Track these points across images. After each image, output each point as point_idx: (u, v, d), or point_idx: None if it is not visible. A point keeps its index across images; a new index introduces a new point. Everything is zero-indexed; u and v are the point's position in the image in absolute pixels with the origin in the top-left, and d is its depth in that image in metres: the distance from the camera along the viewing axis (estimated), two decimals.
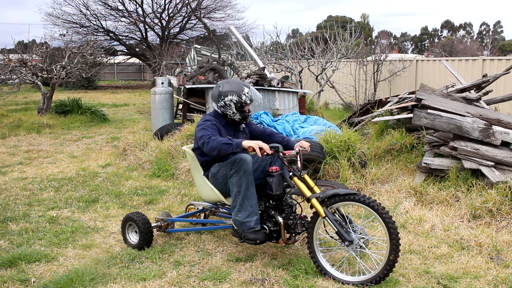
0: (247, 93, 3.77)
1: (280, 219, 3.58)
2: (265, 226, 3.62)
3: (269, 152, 3.48)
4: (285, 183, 3.68)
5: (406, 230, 4.38)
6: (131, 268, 3.60)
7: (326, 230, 3.68)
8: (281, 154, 3.62)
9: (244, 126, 4.01)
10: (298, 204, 3.78)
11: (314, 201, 3.38)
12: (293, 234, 3.63)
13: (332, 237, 3.63)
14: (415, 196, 5.04)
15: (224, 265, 3.66)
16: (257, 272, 3.50)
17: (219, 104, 3.80)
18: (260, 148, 3.44)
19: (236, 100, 3.74)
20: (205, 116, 3.90)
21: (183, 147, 4.17)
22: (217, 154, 3.57)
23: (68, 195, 5.64)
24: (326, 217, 3.33)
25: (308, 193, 3.45)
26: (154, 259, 3.75)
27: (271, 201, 3.76)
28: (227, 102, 3.76)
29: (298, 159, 3.66)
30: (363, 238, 3.34)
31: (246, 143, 3.49)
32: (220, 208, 4.29)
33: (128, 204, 5.30)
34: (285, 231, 3.59)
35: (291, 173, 3.57)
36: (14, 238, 4.25)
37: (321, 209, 3.35)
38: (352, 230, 3.33)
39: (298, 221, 3.58)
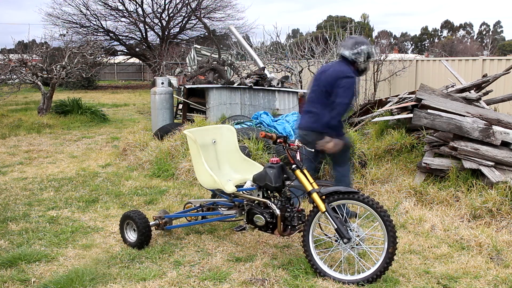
0: (373, 47, 4.34)
1: (278, 211, 3.57)
2: (262, 216, 3.62)
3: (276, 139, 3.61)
4: (284, 175, 3.68)
5: (406, 230, 4.38)
6: (131, 268, 3.60)
7: (321, 229, 3.68)
8: (287, 145, 3.63)
9: None
10: (296, 198, 3.77)
11: (315, 196, 3.39)
12: (289, 227, 3.61)
13: (329, 237, 3.62)
14: (415, 196, 5.04)
15: (224, 265, 3.67)
16: (257, 272, 3.50)
17: (352, 51, 4.25)
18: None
19: (368, 51, 4.26)
20: (350, 71, 4.24)
21: (184, 131, 4.12)
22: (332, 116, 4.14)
23: (68, 195, 5.64)
24: (327, 212, 3.34)
25: (309, 187, 3.46)
26: (154, 259, 3.75)
27: (269, 192, 3.76)
28: (360, 51, 4.25)
29: (298, 153, 3.66)
30: (358, 236, 3.36)
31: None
32: (217, 201, 4.26)
33: (128, 204, 5.30)
34: (282, 223, 3.58)
35: (294, 166, 3.57)
36: (14, 238, 4.25)
37: (321, 204, 3.36)
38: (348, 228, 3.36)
39: (295, 214, 3.58)
